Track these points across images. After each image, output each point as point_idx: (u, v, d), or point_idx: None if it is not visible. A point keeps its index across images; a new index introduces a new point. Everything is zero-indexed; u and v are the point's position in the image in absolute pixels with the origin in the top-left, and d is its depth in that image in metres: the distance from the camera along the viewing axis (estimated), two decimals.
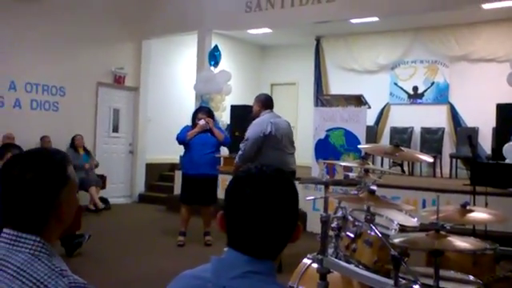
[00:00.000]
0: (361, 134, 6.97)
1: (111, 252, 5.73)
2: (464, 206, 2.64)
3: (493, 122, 7.58)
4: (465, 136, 7.54)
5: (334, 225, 3.15)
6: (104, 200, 8.68)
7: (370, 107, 7.33)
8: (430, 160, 3.59)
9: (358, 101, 7.22)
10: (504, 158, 6.51)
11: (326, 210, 2.80)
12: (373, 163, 8.67)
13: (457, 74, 9.60)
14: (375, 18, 8.48)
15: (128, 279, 4.73)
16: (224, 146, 6.54)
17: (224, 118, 9.18)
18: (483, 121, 8.76)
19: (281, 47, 11.75)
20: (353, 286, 2.80)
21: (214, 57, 9.09)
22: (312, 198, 4.66)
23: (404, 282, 2.32)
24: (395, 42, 10.15)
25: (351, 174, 3.78)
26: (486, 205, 4.58)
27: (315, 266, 2.71)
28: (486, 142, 8.70)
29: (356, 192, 3.45)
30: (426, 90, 9.98)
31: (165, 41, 10.11)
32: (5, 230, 1.25)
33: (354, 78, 10.51)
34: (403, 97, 10.22)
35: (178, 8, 9.44)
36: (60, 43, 8.48)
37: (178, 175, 7.90)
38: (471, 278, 2.71)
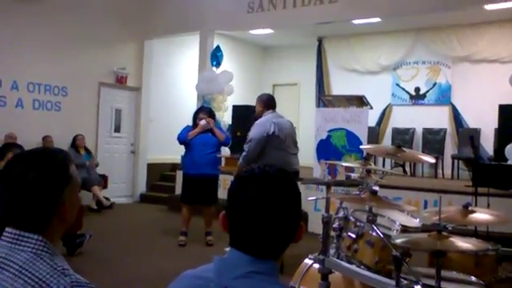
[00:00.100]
0: (362, 135, 6.95)
1: (112, 251, 5.73)
2: (466, 206, 2.64)
3: (495, 123, 7.58)
4: (467, 137, 7.52)
5: (335, 225, 3.15)
6: (106, 199, 8.68)
7: (371, 108, 7.31)
8: (432, 161, 3.58)
9: (360, 101, 7.21)
10: (506, 159, 6.50)
11: (327, 210, 2.80)
12: (374, 164, 8.68)
13: (459, 75, 9.58)
14: (377, 19, 8.46)
15: (129, 279, 4.73)
16: (225, 146, 6.53)
17: (226, 118, 9.17)
18: (485, 122, 8.75)
19: (283, 48, 11.75)
20: (354, 286, 2.80)
21: (216, 57, 9.10)
22: (314, 198, 4.67)
23: (406, 282, 2.32)
24: (397, 42, 10.13)
25: (353, 175, 3.77)
26: (488, 206, 4.58)
27: (317, 266, 2.71)
28: (488, 143, 8.68)
29: (358, 192, 3.45)
30: (428, 91, 9.96)
31: (167, 41, 10.10)
32: (7, 228, 1.25)
33: (355, 79, 10.49)
34: (405, 97, 10.20)
35: (180, 8, 9.45)
36: (62, 43, 8.49)
37: (180, 175, 7.90)
38: (473, 278, 2.71)
